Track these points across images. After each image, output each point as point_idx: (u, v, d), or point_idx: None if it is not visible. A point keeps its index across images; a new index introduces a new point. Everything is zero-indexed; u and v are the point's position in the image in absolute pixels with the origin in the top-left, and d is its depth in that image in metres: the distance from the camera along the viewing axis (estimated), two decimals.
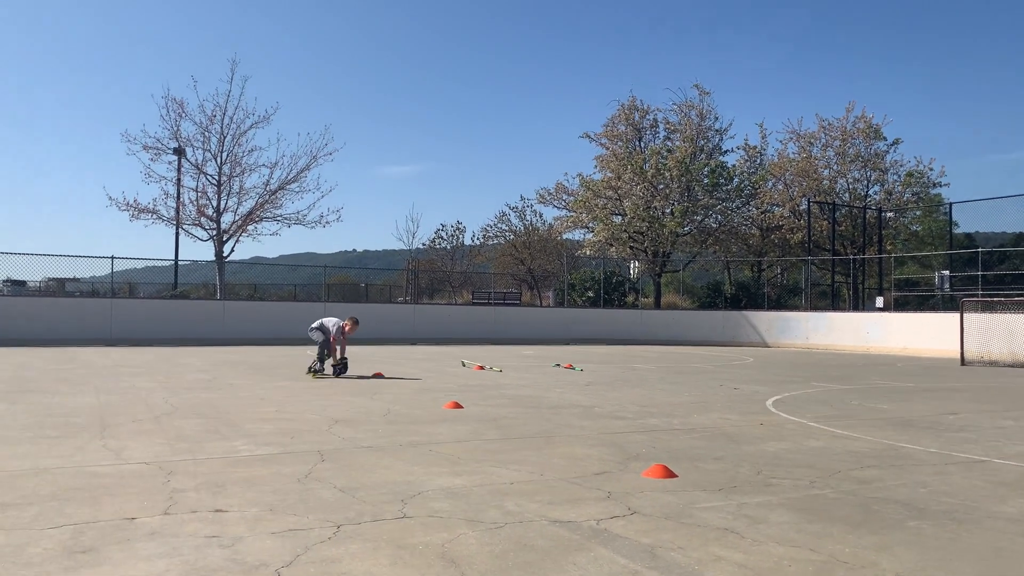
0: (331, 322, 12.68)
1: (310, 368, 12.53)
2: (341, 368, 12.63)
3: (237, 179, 30.58)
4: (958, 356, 20.57)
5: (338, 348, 12.61)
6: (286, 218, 31.63)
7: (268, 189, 30.91)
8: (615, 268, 38.91)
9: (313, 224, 31.86)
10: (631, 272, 40.56)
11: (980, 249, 29.84)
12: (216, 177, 30.36)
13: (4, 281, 26.93)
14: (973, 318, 21.08)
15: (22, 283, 27.79)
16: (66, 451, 5.81)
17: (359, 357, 18.47)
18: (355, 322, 13.10)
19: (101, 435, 6.55)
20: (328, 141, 43.27)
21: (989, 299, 22.16)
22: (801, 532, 4.00)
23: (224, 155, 30.38)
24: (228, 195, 30.51)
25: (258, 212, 30.82)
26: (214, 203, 30.39)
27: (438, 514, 4.21)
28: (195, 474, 5.09)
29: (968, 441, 7.12)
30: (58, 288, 29.42)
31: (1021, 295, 23.35)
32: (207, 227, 30.50)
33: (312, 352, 13.30)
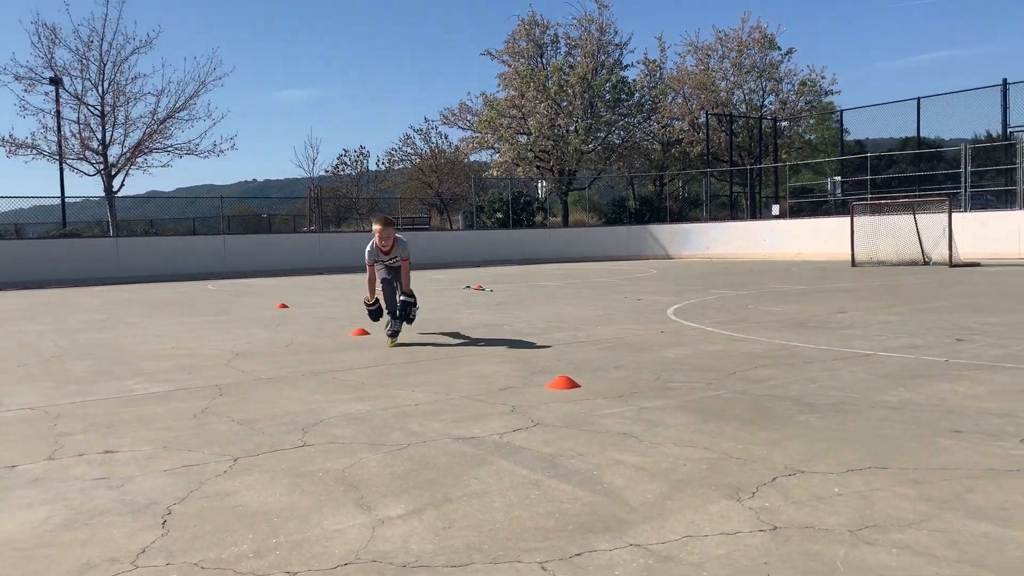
0: (369, 247, 7.91)
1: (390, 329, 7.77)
2: (401, 310, 7.80)
3: (122, 109, 29.01)
4: (849, 258, 21.51)
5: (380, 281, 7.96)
6: (177, 148, 30.32)
7: (156, 118, 29.47)
8: (522, 188, 38.87)
9: (206, 153, 30.67)
10: (539, 192, 40.62)
11: (869, 154, 31.01)
12: (99, 108, 28.68)
13: None
14: (862, 221, 21.99)
15: None
16: None
17: (262, 289, 18.07)
18: (385, 223, 7.94)
19: None
20: (216, 65, 41.35)
21: (877, 202, 23.13)
22: (696, 432, 4.12)
23: (105, 84, 28.68)
24: (113, 126, 28.96)
25: (147, 143, 29.40)
26: (99, 135, 28.79)
27: (339, 440, 4.15)
28: (84, 416, 4.88)
29: (855, 337, 7.46)
30: None
31: (906, 197, 24.48)
32: (93, 161, 28.95)
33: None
